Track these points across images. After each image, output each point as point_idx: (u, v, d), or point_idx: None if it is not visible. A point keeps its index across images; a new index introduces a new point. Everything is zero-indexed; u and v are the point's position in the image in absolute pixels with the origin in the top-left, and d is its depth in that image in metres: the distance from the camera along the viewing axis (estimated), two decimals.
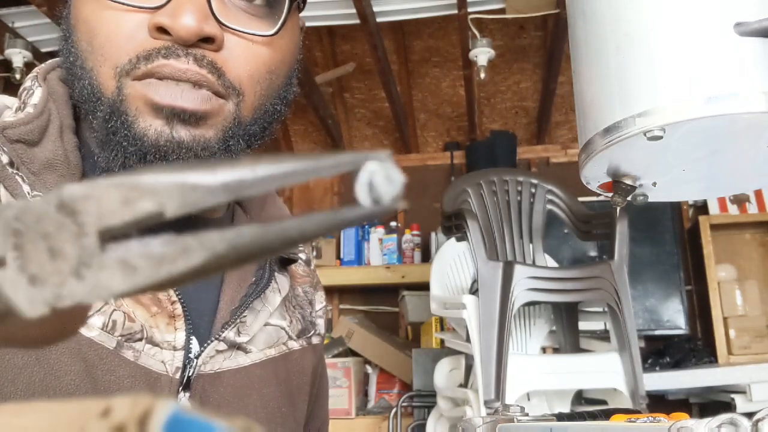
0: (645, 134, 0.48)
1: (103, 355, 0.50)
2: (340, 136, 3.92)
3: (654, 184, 0.58)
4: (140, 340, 0.52)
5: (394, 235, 3.59)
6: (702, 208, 3.45)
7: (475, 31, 2.78)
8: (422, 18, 2.87)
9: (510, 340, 1.87)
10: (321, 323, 0.74)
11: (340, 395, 2.99)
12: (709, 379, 2.53)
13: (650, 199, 0.60)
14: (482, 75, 2.83)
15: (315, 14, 2.68)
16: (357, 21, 2.67)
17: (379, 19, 2.75)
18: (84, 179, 0.51)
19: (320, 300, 0.75)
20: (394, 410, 2.82)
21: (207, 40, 0.50)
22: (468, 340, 1.98)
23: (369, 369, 3.25)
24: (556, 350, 2.32)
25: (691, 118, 0.47)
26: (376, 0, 2.65)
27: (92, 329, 0.50)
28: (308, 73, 3.29)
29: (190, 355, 0.55)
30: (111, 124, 0.50)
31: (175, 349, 0.54)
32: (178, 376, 0.54)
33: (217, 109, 0.52)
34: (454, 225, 2.08)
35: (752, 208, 3.37)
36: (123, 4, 0.50)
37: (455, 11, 2.68)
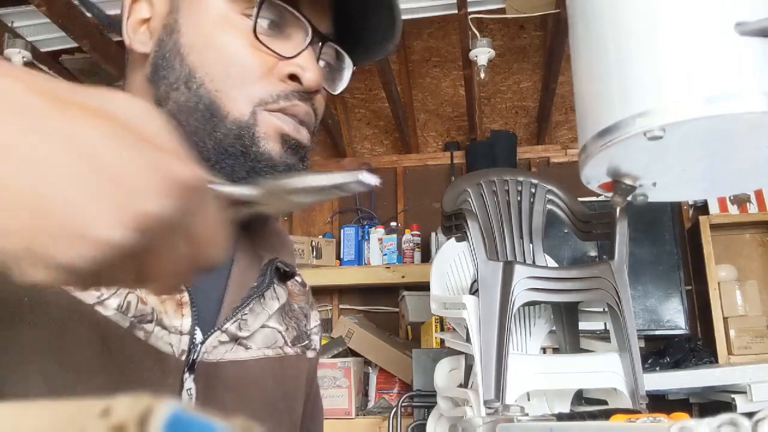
0: (645, 134, 0.48)
1: (118, 332, 0.55)
2: (341, 136, 3.92)
3: (654, 184, 0.58)
4: (150, 322, 0.57)
5: (394, 235, 3.59)
6: (702, 208, 3.45)
7: (475, 31, 2.78)
8: (422, 18, 2.88)
9: (510, 340, 1.87)
10: (316, 339, 0.78)
11: (340, 395, 2.99)
12: (709, 379, 2.53)
13: (650, 199, 0.60)
14: (482, 75, 2.83)
15: None
16: None
17: None
18: None
19: (315, 318, 0.80)
20: (394, 410, 2.82)
21: (316, 91, 0.64)
22: (468, 340, 1.98)
23: (369, 369, 3.25)
24: (556, 350, 2.32)
25: (691, 118, 0.47)
26: None
27: (108, 309, 0.54)
28: None
29: (195, 340, 0.60)
30: (240, 140, 0.60)
31: (181, 333, 0.58)
32: (183, 358, 0.58)
33: (308, 144, 0.66)
34: (454, 225, 2.07)
35: (752, 208, 3.37)
36: (270, 49, 0.61)
37: (455, 11, 2.68)
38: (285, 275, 0.72)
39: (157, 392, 0.58)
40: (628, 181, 0.56)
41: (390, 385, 3.19)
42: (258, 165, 0.61)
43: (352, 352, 3.23)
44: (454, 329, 2.31)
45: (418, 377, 2.79)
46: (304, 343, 0.74)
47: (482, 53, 2.79)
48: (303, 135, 0.64)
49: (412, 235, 3.60)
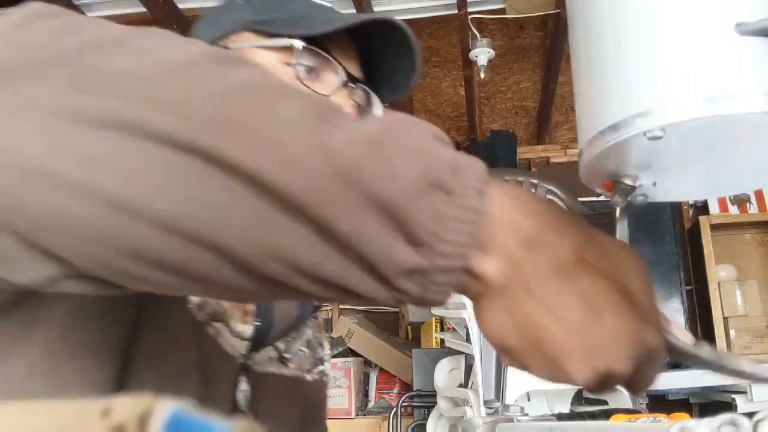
0: (645, 134, 0.48)
1: (195, 323, 0.62)
2: None
3: (654, 184, 0.58)
4: (220, 321, 0.63)
5: None
6: (702, 208, 3.45)
7: (475, 31, 2.78)
8: (422, 18, 2.87)
9: None
10: (328, 366, 0.86)
11: (340, 395, 2.99)
12: (710, 379, 2.52)
13: (650, 199, 0.60)
14: (482, 75, 2.83)
15: None
16: None
17: None
18: None
19: (327, 348, 0.87)
20: (394, 410, 2.82)
21: None
22: (468, 340, 1.98)
23: (369, 369, 3.25)
24: None
25: (691, 118, 0.47)
26: (376, 0, 2.65)
27: (191, 302, 0.61)
28: None
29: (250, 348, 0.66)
30: None
31: (242, 338, 0.65)
32: (240, 361, 0.65)
33: None
34: None
35: (752, 208, 3.36)
36: (310, 89, 0.67)
37: (455, 11, 2.68)
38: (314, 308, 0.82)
39: (218, 385, 0.62)
40: (628, 181, 0.56)
41: (390, 385, 3.19)
42: None
43: (352, 352, 3.22)
44: (454, 329, 2.31)
45: (418, 377, 2.78)
46: (320, 369, 0.81)
47: (482, 53, 2.79)
48: None
49: None
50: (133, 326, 0.55)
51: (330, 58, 0.70)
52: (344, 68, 0.70)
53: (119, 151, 0.33)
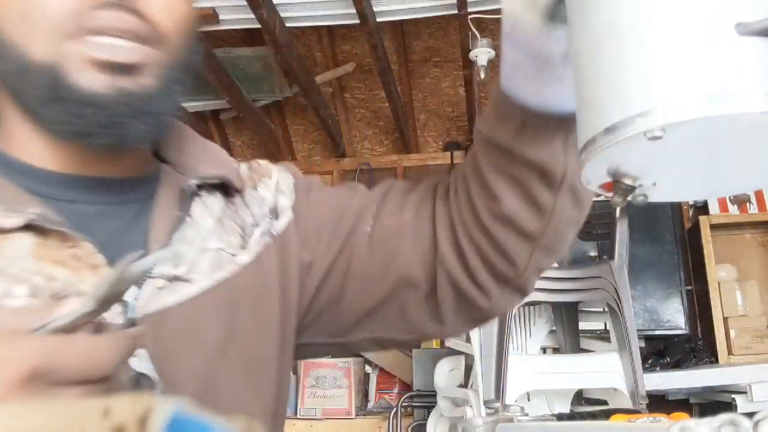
0: (645, 134, 0.48)
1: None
2: (341, 136, 3.92)
3: (654, 184, 0.58)
4: (67, 296, 0.51)
5: None
6: (702, 208, 3.45)
7: (475, 31, 2.78)
8: (422, 18, 2.87)
9: (510, 340, 1.87)
10: (283, 201, 0.69)
11: (340, 395, 2.98)
12: (710, 379, 2.53)
13: (650, 199, 0.60)
14: (482, 75, 2.83)
15: (315, 14, 2.67)
16: (357, 21, 2.67)
17: (379, 19, 2.75)
18: None
19: (267, 185, 0.70)
20: (394, 410, 2.82)
21: None
22: (468, 340, 1.98)
23: (369, 369, 3.25)
24: (556, 350, 2.31)
25: (691, 118, 0.47)
26: (376, 0, 2.65)
27: (18, 298, 0.51)
28: (308, 73, 3.28)
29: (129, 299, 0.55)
30: (51, 84, 0.53)
31: None
32: (121, 321, 0.53)
33: (150, 57, 0.56)
34: None
35: (752, 208, 3.36)
36: None
37: (455, 11, 2.68)
38: (219, 187, 0.66)
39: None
40: (628, 181, 0.56)
41: (390, 385, 3.19)
42: (83, 106, 0.54)
43: (352, 353, 3.23)
44: None
45: (418, 377, 2.78)
46: (258, 231, 0.66)
47: (482, 53, 2.79)
48: (124, 52, 0.54)
49: None
50: None
51: None
52: None
53: None
